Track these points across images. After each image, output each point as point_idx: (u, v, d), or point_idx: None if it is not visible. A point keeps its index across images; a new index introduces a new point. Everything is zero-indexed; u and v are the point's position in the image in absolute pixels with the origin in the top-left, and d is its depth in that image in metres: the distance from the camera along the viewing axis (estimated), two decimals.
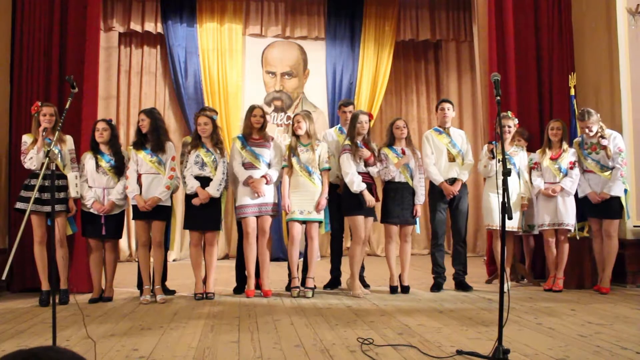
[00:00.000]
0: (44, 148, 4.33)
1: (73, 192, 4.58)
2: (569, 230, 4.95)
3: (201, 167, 4.66)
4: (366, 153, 4.75)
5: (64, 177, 4.59)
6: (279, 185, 5.06)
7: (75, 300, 4.08)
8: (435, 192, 5.08)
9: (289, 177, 4.80)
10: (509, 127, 4.97)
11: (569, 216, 4.91)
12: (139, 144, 4.65)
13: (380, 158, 4.88)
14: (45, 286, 4.48)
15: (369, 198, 4.68)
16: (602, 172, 4.83)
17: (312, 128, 4.85)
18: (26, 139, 4.57)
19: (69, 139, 4.72)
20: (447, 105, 5.13)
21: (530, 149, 5.50)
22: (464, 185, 5.07)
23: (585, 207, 4.96)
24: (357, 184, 4.67)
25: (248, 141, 4.80)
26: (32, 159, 4.44)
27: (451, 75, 9.04)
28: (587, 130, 4.85)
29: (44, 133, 4.42)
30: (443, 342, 3.04)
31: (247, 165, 4.75)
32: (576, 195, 5.02)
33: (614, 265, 4.83)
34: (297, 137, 4.84)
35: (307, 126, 4.82)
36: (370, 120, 4.93)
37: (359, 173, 4.73)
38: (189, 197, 4.70)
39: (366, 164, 4.77)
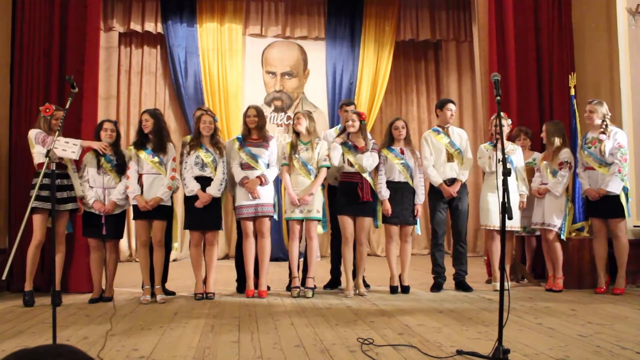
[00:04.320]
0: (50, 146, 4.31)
1: (79, 192, 4.58)
2: (554, 231, 4.94)
3: (201, 168, 4.66)
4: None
5: (68, 176, 4.59)
6: (278, 187, 5.06)
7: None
8: (435, 192, 5.08)
9: (289, 175, 4.81)
10: (503, 127, 4.96)
11: (552, 217, 4.91)
12: (140, 144, 4.65)
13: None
14: (28, 287, 4.43)
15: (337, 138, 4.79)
16: (600, 168, 4.81)
17: (313, 126, 4.86)
18: (39, 131, 4.49)
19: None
20: (453, 107, 5.14)
21: (532, 149, 5.52)
22: (463, 185, 5.07)
23: (588, 206, 4.94)
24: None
25: (246, 142, 4.81)
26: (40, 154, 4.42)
27: (451, 75, 9.04)
28: (587, 114, 4.86)
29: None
30: (443, 342, 3.04)
31: (245, 167, 4.75)
32: (575, 194, 5.03)
33: (613, 265, 4.84)
34: (298, 135, 4.85)
35: (307, 123, 4.82)
36: (362, 121, 4.84)
37: (346, 173, 4.79)
38: (188, 198, 4.71)
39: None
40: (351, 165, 4.78)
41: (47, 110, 4.49)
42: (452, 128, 5.17)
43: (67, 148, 4.32)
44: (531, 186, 5.11)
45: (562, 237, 5.01)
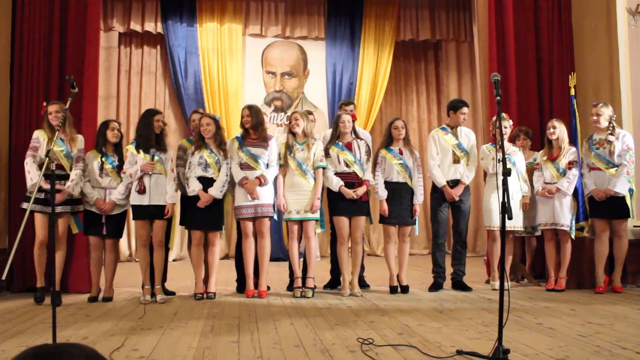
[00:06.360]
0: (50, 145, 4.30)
1: (70, 187, 4.51)
2: (567, 231, 4.96)
3: (204, 169, 4.66)
4: (360, 192, 4.75)
5: (65, 177, 4.59)
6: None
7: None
8: (437, 192, 5.08)
9: (284, 175, 4.81)
10: (505, 127, 4.98)
11: (564, 217, 4.92)
12: (143, 145, 4.62)
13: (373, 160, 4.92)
14: (40, 283, 4.47)
15: (346, 191, 4.71)
16: (607, 169, 4.83)
17: (309, 127, 4.87)
18: (39, 134, 4.53)
19: (80, 139, 4.69)
20: (467, 110, 5.14)
21: (532, 149, 5.51)
22: (466, 186, 5.07)
23: (592, 206, 4.94)
24: (335, 183, 4.76)
25: (245, 141, 4.80)
26: (29, 173, 4.43)
27: (451, 75, 9.04)
28: (594, 118, 4.87)
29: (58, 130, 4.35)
30: (443, 342, 3.04)
31: (245, 166, 4.74)
32: (577, 194, 5.03)
33: (613, 265, 4.88)
34: (294, 135, 4.85)
35: (304, 124, 4.82)
36: (353, 121, 4.94)
37: (340, 174, 4.79)
38: (189, 198, 4.71)
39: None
40: (347, 165, 4.79)
41: (42, 109, 4.55)
42: (460, 128, 5.16)
43: (76, 189, 4.51)
44: (534, 186, 5.11)
45: (572, 236, 5.02)
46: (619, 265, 4.86)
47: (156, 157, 4.61)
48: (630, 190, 4.82)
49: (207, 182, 4.66)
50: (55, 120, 4.49)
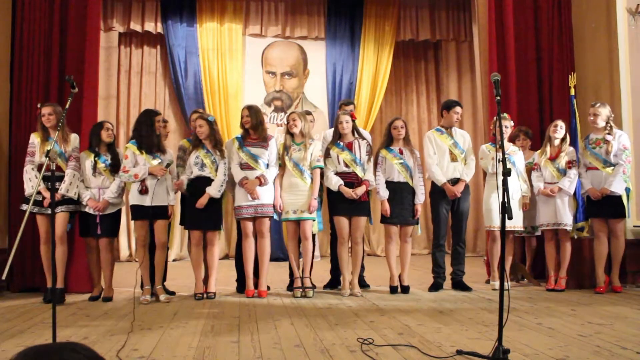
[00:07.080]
0: (47, 146, 4.31)
1: (63, 189, 4.49)
2: (569, 230, 4.97)
3: (201, 168, 4.66)
4: (359, 192, 4.73)
5: (60, 179, 4.58)
6: None
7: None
8: (437, 192, 5.07)
9: (282, 176, 4.81)
10: (505, 127, 4.99)
11: (567, 216, 4.92)
12: (146, 146, 4.61)
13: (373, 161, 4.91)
14: (50, 283, 4.48)
15: (345, 190, 4.70)
16: (604, 168, 4.84)
17: (307, 127, 4.87)
18: (34, 139, 4.57)
19: (73, 138, 4.69)
20: (460, 110, 5.14)
21: (532, 149, 5.51)
22: (466, 185, 5.07)
23: (589, 206, 4.95)
24: (334, 183, 4.74)
25: (245, 142, 4.80)
26: (30, 181, 4.46)
27: (451, 75, 9.04)
28: (592, 118, 4.87)
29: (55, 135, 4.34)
30: (443, 342, 3.04)
31: (245, 167, 4.74)
32: (577, 194, 5.04)
33: (613, 265, 4.88)
34: (292, 135, 4.85)
35: (302, 125, 4.83)
36: (353, 120, 4.93)
37: (340, 174, 4.78)
38: (188, 198, 4.71)
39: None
40: (347, 165, 4.79)
41: (37, 111, 4.60)
42: (455, 129, 5.17)
43: (70, 189, 4.52)
44: (534, 185, 5.11)
45: (575, 236, 5.02)
46: (616, 264, 4.86)
47: (157, 159, 4.61)
48: (627, 190, 4.82)
49: (204, 182, 4.65)
50: (48, 122, 4.52)
